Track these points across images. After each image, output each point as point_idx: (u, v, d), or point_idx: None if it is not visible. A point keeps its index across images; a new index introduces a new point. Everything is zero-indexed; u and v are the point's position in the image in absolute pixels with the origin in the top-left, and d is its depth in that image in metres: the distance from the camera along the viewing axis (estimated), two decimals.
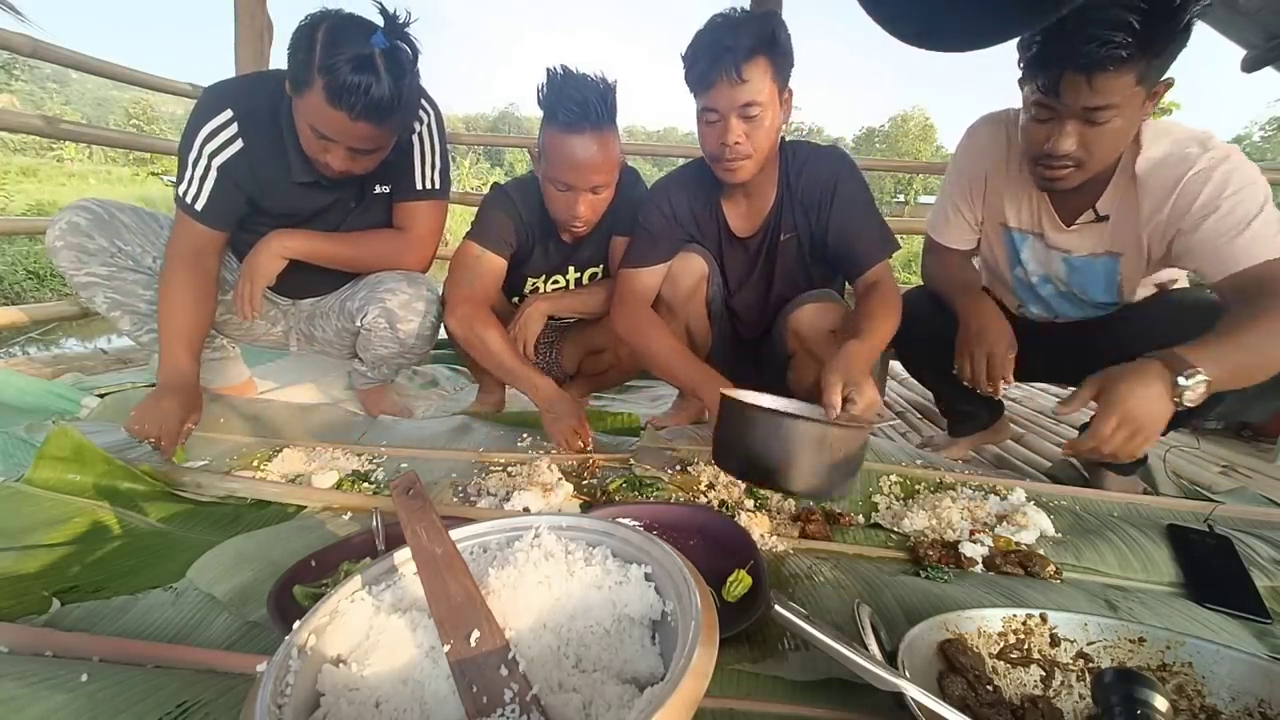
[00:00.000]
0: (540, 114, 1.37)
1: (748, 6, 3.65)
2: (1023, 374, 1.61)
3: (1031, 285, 1.41)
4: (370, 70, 1.13)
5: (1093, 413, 1.00)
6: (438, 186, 1.49)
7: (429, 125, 1.45)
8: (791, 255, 1.44)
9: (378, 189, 1.46)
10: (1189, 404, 1.00)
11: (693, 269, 1.44)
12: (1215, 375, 1.00)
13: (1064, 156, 1.11)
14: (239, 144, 1.30)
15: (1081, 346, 1.36)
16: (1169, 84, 1.07)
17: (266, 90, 1.30)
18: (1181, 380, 0.99)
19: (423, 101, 1.46)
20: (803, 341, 1.41)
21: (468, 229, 1.55)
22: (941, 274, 1.47)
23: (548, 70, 1.32)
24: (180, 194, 1.32)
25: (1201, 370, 0.99)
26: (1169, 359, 1.01)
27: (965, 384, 1.30)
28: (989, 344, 1.25)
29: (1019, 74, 1.15)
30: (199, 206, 1.32)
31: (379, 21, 1.16)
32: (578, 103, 1.29)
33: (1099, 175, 1.18)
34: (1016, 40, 1.09)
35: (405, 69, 1.19)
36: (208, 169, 1.30)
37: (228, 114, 1.29)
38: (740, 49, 1.17)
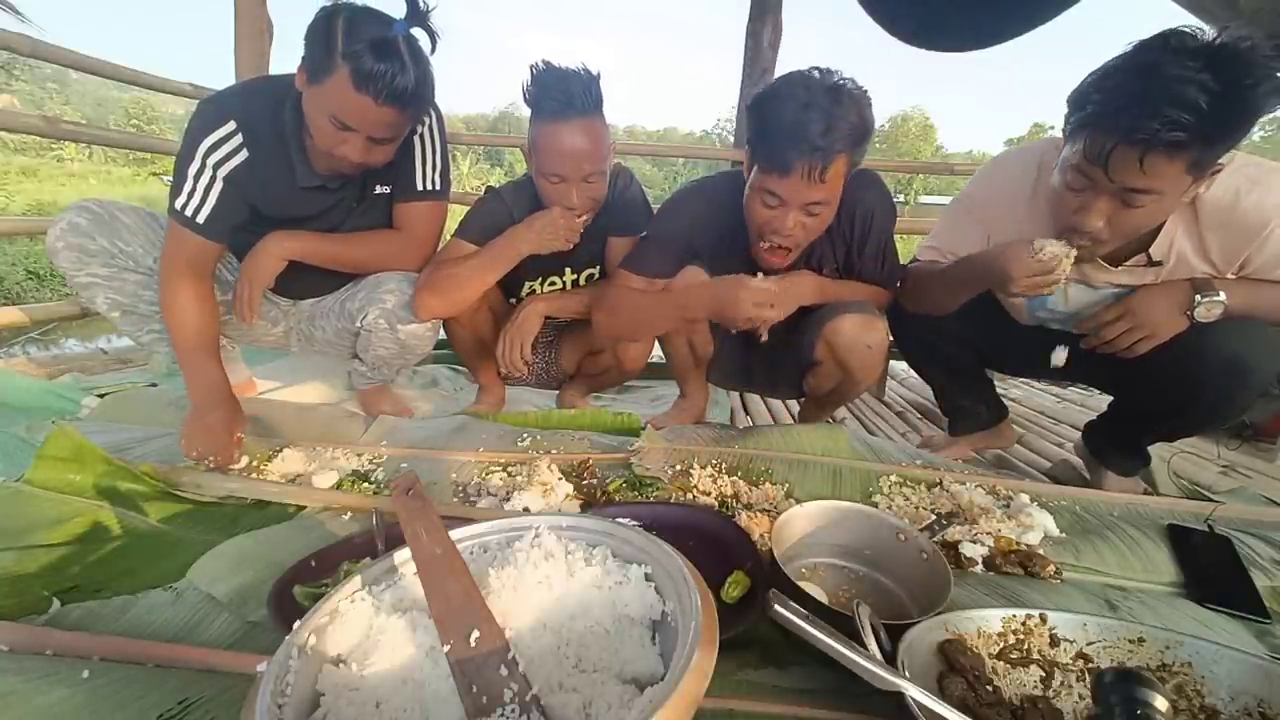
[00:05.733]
0: None
1: (747, 9, 3.64)
2: (1031, 371, 1.59)
3: (1056, 321, 1.34)
4: (394, 55, 1.14)
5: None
6: (438, 187, 1.49)
7: (430, 126, 1.45)
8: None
9: (378, 189, 1.45)
10: (1201, 319, 1.08)
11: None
12: (1234, 302, 1.06)
13: (1088, 233, 1.05)
14: (244, 154, 1.29)
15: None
16: (1218, 170, 0.99)
17: (264, 98, 1.29)
18: (1199, 296, 1.07)
19: None
20: (835, 352, 1.36)
21: None
22: (936, 269, 1.33)
23: (531, 67, 1.32)
24: (178, 207, 1.28)
25: (1223, 294, 1.06)
26: (1196, 281, 1.09)
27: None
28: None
29: (1066, 127, 1.04)
30: (200, 220, 1.29)
31: (391, 12, 1.16)
32: (562, 92, 1.29)
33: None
34: (1073, 94, 1.00)
35: (424, 54, 1.21)
36: (212, 180, 1.28)
37: (231, 125, 1.27)
38: (831, 151, 1.08)
